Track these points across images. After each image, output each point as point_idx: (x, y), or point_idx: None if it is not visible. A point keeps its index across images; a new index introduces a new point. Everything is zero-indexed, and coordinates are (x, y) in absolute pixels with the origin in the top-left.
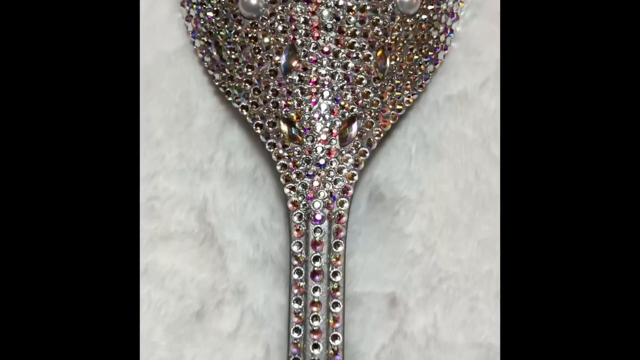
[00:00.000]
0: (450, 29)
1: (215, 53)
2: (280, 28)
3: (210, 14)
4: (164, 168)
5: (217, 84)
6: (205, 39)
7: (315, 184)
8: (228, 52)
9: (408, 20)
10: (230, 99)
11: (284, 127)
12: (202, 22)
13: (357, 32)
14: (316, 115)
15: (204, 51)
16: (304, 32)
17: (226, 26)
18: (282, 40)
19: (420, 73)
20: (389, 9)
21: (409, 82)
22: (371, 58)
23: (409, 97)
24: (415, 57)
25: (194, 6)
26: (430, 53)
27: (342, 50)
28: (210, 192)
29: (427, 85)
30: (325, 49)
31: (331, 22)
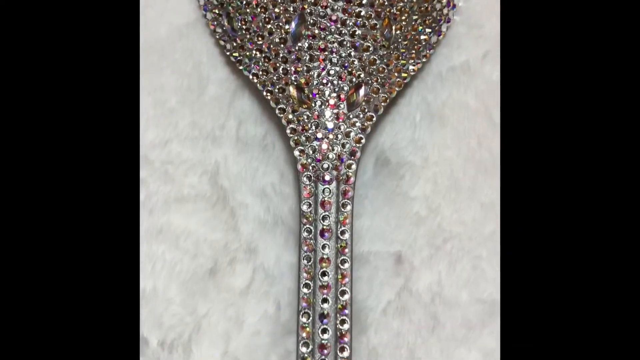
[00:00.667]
0: (452, 3)
1: (226, 24)
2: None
3: None
4: (177, 135)
5: (228, 53)
6: (216, 11)
7: (324, 146)
8: (239, 22)
9: None
10: (241, 67)
11: (294, 92)
12: None
13: (364, 2)
14: (325, 81)
15: (215, 22)
16: (312, 1)
17: None
18: (292, 9)
19: (424, 43)
20: None
21: (413, 51)
22: (377, 27)
23: (413, 65)
24: (420, 27)
25: None
26: (433, 24)
27: (350, 19)
28: (222, 158)
29: (431, 55)
30: (334, 18)
31: None
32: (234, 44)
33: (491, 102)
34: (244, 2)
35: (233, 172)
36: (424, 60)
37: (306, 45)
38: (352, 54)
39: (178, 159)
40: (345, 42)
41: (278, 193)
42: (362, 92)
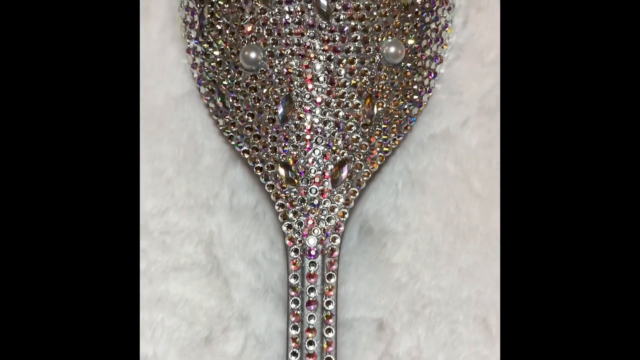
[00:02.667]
0: (434, 72)
1: (218, 100)
2: (277, 80)
3: (213, 64)
4: (174, 204)
5: (221, 128)
6: (209, 86)
7: (310, 222)
8: (230, 100)
9: (393, 69)
10: (233, 143)
11: (282, 172)
12: (206, 70)
13: (347, 83)
14: (310, 160)
15: (208, 98)
16: (299, 83)
17: (228, 76)
18: (279, 91)
19: (405, 116)
20: (375, 60)
21: (394, 125)
22: (360, 106)
23: (395, 139)
24: (401, 102)
25: (199, 55)
26: (415, 97)
27: (333, 100)
28: (216, 226)
29: (412, 126)
30: (318, 100)
31: (323, 74)
32: (226, 120)
33: (469, 168)
34: (235, 81)
35: (226, 240)
36: (405, 132)
37: (293, 125)
38: (336, 133)
39: (175, 228)
40: (329, 122)
41: (268, 260)
42: (345, 170)
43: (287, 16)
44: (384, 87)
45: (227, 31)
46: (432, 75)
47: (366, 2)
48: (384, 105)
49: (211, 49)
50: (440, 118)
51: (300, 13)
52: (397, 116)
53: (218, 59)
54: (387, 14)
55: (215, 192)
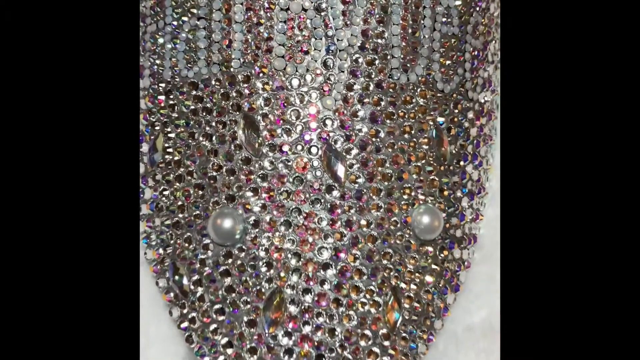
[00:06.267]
0: (473, 237)
1: (172, 281)
2: (263, 267)
3: (168, 223)
4: None
5: (176, 322)
6: (161, 251)
7: None
8: (189, 282)
9: (426, 247)
10: (192, 347)
11: None
12: (157, 232)
13: (364, 275)
14: None
15: (158, 268)
16: (294, 275)
17: (190, 247)
18: (266, 283)
19: (438, 310)
20: (405, 237)
21: (424, 328)
22: (379, 308)
23: (424, 347)
24: (433, 289)
25: (148, 204)
26: (451, 280)
27: (343, 300)
28: None
29: (445, 321)
30: (323, 302)
31: (330, 263)
32: (184, 312)
33: None
34: (199, 257)
35: None
36: (436, 332)
37: (282, 333)
38: (346, 349)
39: None
40: (335, 333)
41: None
42: None
43: (283, 171)
44: (412, 275)
45: (192, 180)
46: (472, 241)
47: (393, 153)
48: (412, 303)
49: (166, 202)
50: (479, 302)
51: (301, 169)
52: (427, 312)
53: (176, 219)
54: (421, 171)
55: None
